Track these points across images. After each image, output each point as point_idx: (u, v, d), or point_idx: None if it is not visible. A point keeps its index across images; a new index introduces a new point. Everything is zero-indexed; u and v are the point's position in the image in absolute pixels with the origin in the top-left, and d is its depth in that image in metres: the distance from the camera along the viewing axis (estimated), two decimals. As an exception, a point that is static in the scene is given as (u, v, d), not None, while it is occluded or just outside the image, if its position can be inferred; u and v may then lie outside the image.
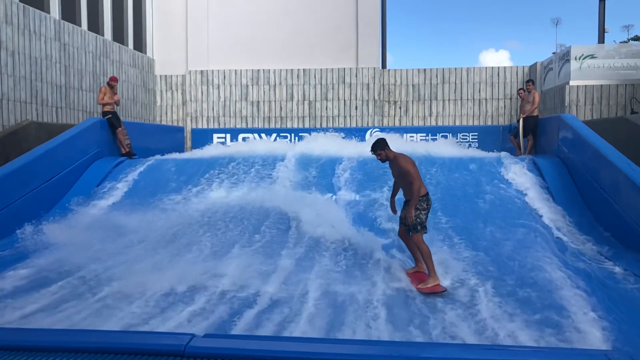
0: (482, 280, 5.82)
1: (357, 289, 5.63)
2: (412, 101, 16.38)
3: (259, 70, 16.48)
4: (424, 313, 5.08)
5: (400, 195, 6.27)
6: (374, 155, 6.06)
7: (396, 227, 6.66)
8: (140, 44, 16.12)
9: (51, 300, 5.38)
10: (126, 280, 5.79)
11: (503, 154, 10.48)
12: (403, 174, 5.82)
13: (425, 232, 5.86)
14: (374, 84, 16.22)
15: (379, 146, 5.91)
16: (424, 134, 15.28)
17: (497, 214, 8.08)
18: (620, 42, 24.76)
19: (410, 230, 5.84)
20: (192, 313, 5.02)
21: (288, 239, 7.33)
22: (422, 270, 5.97)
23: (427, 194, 5.87)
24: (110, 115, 11.05)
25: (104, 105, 11.03)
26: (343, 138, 13.77)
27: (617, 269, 6.08)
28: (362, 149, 10.48)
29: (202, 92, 16.64)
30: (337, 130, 15.41)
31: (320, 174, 9.98)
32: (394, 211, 6.39)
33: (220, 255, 6.75)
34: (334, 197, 9.08)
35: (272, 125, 16.40)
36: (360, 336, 4.57)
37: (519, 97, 12.26)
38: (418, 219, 5.77)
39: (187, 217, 8.27)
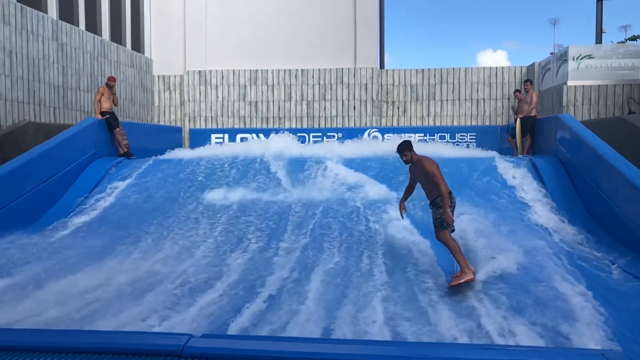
0: (478, 278, 5.84)
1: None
2: (410, 101, 16.39)
3: (257, 70, 16.47)
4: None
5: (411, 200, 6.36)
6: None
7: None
8: (138, 44, 16.10)
9: None
10: None
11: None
12: (429, 175, 5.89)
13: (453, 230, 5.91)
14: (372, 84, 16.22)
15: (406, 147, 6.03)
16: (422, 134, 15.26)
17: (493, 213, 8.08)
18: (617, 43, 24.80)
19: (436, 228, 5.90)
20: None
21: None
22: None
23: (451, 192, 5.97)
24: (108, 116, 11.04)
25: (100, 106, 11.03)
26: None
27: (615, 269, 6.09)
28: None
29: (200, 92, 16.62)
30: (335, 130, 15.43)
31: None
32: (402, 213, 6.48)
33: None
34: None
35: (270, 126, 16.39)
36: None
37: (515, 98, 12.27)
38: (443, 217, 5.82)
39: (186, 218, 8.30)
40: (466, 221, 6.80)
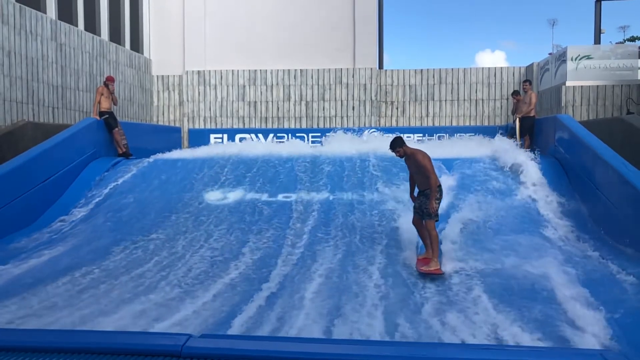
0: (476, 275, 5.87)
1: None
2: (409, 102, 16.39)
3: (256, 70, 16.47)
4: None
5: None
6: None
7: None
8: (137, 44, 16.09)
9: None
10: None
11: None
12: (420, 168, 6.32)
13: (437, 220, 6.41)
14: (371, 84, 16.22)
15: (398, 144, 6.48)
16: (421, 135, 15.27)
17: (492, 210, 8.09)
18: (616, 43, 24.82)
19: (424, 218, 6.32)
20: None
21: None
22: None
23: (440, 185, 6.39)
24: (107, 116, 11.03)
25: (100, 105, 11.03)
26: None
27: (612, 268, 6.09)
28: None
29: (199, 93, 16.61)
30: (334, 130, 15.39)
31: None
32: (415, 203, 6.77)
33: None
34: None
35: (269, 126, 16.39)
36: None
37: (513, 99, 12.28)
38: (433, 208, 6.28)
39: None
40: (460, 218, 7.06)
